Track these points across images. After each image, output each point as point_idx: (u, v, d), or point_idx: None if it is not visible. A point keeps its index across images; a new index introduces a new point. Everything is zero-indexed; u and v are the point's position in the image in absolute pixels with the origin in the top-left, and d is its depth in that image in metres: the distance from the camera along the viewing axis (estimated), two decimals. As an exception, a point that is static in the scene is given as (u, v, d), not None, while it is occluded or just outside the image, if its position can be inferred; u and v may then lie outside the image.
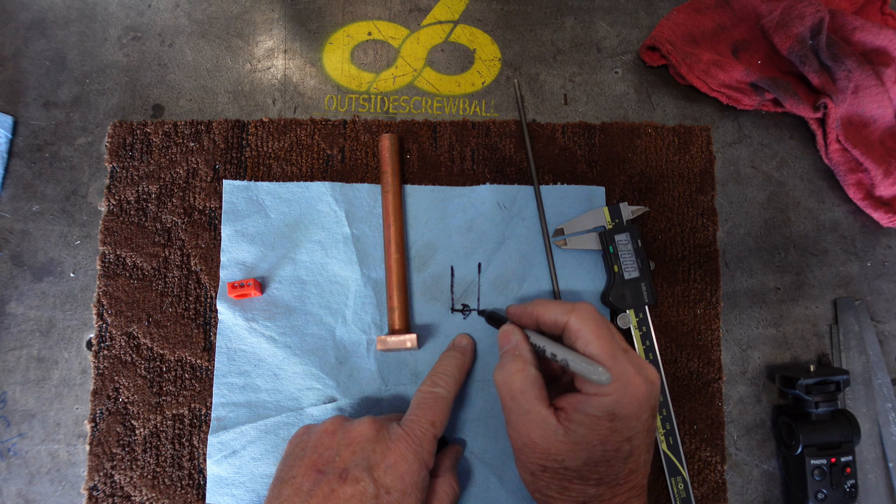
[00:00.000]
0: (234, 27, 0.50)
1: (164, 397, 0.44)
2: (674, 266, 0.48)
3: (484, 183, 0.48)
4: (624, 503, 0.35)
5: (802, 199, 0.50)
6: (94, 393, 0.44)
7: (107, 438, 0.44)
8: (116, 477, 0.43)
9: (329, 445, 0.36)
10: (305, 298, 0.45)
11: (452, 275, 0.46)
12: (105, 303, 0.45)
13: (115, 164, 0.47)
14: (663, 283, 0.47)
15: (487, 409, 0.44)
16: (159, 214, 0.46)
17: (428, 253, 0.46)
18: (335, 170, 0.48)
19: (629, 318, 0.45)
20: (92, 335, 0.45)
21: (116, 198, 0.47)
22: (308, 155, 0.48)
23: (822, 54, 0.47)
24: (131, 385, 0.44)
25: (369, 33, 0.51)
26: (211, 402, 0.44)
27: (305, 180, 0.47)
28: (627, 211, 0.46)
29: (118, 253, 0.46)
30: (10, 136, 0.48)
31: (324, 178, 0.47)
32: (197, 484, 0.43)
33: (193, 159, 0.47)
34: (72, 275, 0.46)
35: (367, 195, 0.47)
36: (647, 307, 0.45)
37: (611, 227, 0.46)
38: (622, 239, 0.45)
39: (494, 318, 0.43)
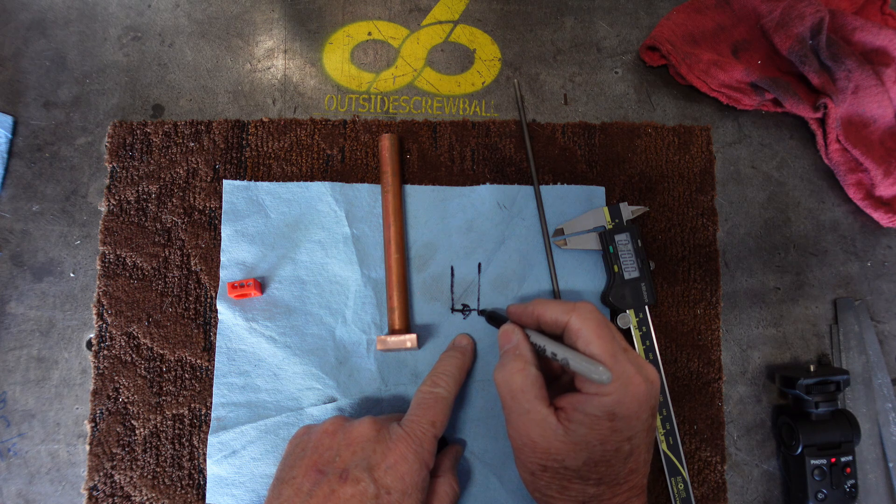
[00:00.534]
0: (234, 27, 0.50)
1: (164, 397, 0.44)
2: (674, 266, 0.48)
3: (484, 183, 0.48)
4: (624, 503, 0.35)
5: (802, 199, 0.50)
6: (94, 393, 0.44)
7: (107, 438, 0.44)
8: (116, 477, 0.43)
9: (329, 446, 0.36)
10: (305, 298, 0.45)
11: (452, 275, 0.46)
12: (105, 303, 0.45)
13: (115, 164, 0.47)
14: (663, 283, 0.47)
15: (487, 409, 0.44)
16: (159, 214, 0.46)
17: (428, 253, 0.46)
18: (335, 170, 0.48)
19: (629, 318, 0.45)
20: (92, 335, 0.45)
21: (116, 198, 0.47)
22: (308, 155, 0.48)
23: (822, 54, 0.47)
24: (131, 385, 0.44)
25: (369, 33, 0.51)
26: (211, 402, 0.44)
27: (305, 180, 0.47)
28: (627, 211, 0.46)
29: (118, 253, 0.46)
30: (10, 136, 0.48)
31: (324, 178, 0.47)
32: (197, 484, 0.43)
33: (193, 159, 0.47)
34: (72, 275, 0.46)
35: (367, 195, 0.47)
36: (647, 307, 0.45)
37: (611, 227, 0.46)
38: (622, 239, 0.45)
39: (495, 318, 0.43)
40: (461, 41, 0.51)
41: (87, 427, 0.44)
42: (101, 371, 0.44)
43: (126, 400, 0.44)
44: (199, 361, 0.45)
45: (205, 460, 0.43)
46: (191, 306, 0.45)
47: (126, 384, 0.44)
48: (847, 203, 0.50)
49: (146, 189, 0.47)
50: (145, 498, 0.43)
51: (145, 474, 0.43)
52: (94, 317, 0.45)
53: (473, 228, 0.47)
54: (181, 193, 0.47)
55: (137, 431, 0.44)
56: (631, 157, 0.49)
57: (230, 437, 0.43)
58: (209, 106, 0.49)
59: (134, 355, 0.45)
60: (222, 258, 0.46)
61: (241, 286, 0.44)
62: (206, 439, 0.44)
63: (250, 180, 0.47)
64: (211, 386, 0.44)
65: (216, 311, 0.45)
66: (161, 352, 0.45)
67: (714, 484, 0.45)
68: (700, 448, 0.46)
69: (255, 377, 0.44)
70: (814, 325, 0.48)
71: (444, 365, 0.41)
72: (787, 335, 0.48)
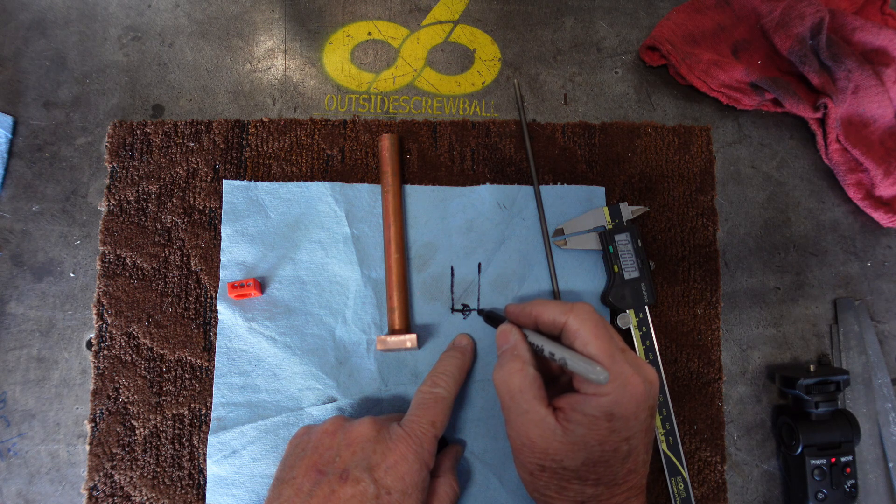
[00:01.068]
0: (234, 27, 0.50)
1: (164, 397, 0.44)
2: (674, 266, 0.48)
3: (484, 183, 0.48)
4: (623, 503, 0.35)
5: (802, 199, 0.50)
6: (94, 393, 0.44)
7: (107, 438, 0.44)
8: (116, 477, 0.43)
9: (329, 446, 0.36)
10: (305, 298, 0.45)
11: (452, 275, 0.46)
12: (105, 303, 0.45)
13: (115, 164, 0.47)
14: (663, 283, 0.47)
15: (487, 410, 0.44)
16: (159, 214, 0.46)
17: (428, 253, 0.46)
18: (335, 170, 0.48)
19: (629, 318, 0.45)
20: (92, 335, 0.45)
21: (116, 198, 0.47)
22: (308, 155, 0.48)
23: (822, 54, 0.47)
24: (131, 385, 0.44)
25: (369, 33, 0.51)
26: (211, 402, 0.44)
27: (305, 180, 0.47)
28: (627, 211, 0.46)
29: (118, 253, 0.46)
30: (10, 136, 0.48)
31: (324, 178, 0.47)
32: (197, 484, 0.43)
33: (193, 159, 0.47)
34: (72, 275, 0.46)
35: (367, 195, 0.47)
36: (647, 307, 0.45)
37: (611, 227, 0.46)
38: (622, 239, 0.45)
39: (493, 318, 0.43)
40: (461, 41, 0.51)
41: (87, 427, 0.44)
42: (101, 371, 0.44)
43: (126, 400, 0.44)
44: (199, 361, 0.45)
45: (205, 460, 0.43)
46: (191, 306, 0.45)
47: (126, 384, 0.44)
48: (847, 203, 0.50)
49: (146, 189, 0.47)
50: (145, 498, 0.43)
51: (145, 474, 0.43)
52: (94, 317, 0.45)
53: (473, 228, 0.47)
54: (181, 193, 0.47)
55: (137, 431, 0.44)
56: (631, 157, 0.49)
57: (230, 437, 0.43)
58: (209, 106, 0.49)
59: (134, 355, 0.45)
60: (222, 258, 0.46)
61: (241, 286, 0.44)
62: (206, 439, 0.44)
63: (250, 180, 0.47)
64: (211, 386, 0.44)
65: (216, 311, 0.45)
66: (161, 352, 0.45)
67: (714, 484, 0.45)
68: (700, 448, 0.46)
69: (255, 377, 0.44)
70: (814, 325, 0.48)
71: (444, 365, 0.41)
72: (787, 335, 0.48)
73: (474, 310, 0.46)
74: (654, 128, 0.49)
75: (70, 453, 0.44)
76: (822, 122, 0.48)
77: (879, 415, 0.46)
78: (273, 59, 0.50)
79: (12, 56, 0.49)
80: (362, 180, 0.47)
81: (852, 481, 0.43)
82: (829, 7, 0.48)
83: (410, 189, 0.47)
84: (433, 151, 0.48)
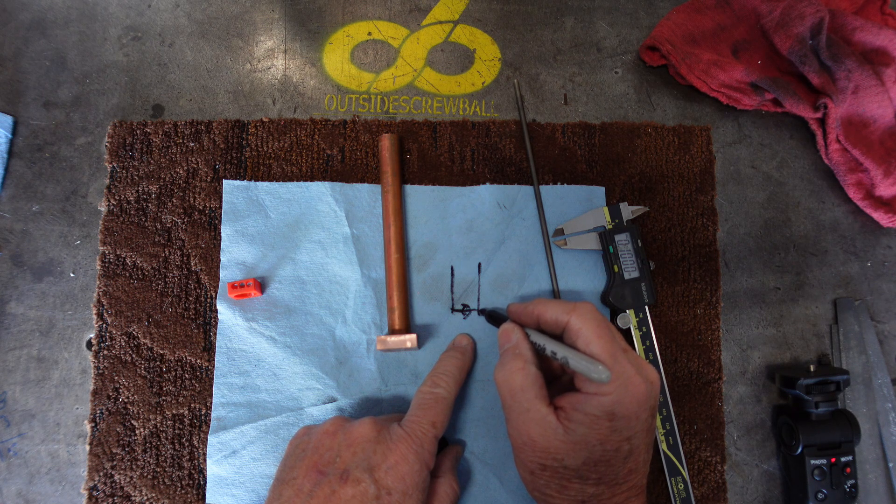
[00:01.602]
0: (234, 27, 0.50)
1: (164, 397, 0.44)
2: (674, 266, 0.48)
3: (484, 183, 0.48)
4: (623, 503, 0.35)
5: (802, 199, 0.50)
6: (94, 393, 0.44)
7: (107, 438, 0.44)
8: (116, 477, 0.43)
9: (330, 446, 0.36)
10: (305, 298, 0.45)
11: (452, 275, 0.46)
12: (105, 303, 0.45)
13: (115, 164, 0.47)
14: (663, 283, 0.47)
15: (487, 410, 0.44)
16: (159, 214, 0.46)
17: (428, 253, 0.46)
18: (335, 170, 0.47)
19: (629, 318, 0.45)
20: (92, 335, 0.45)
21: (116, 198, 0.47)
22: (308, 155, 0.48)
23: (822, 54, 0.47)
24: (131, 385, 0.44)
25: (369, 33, 0.51)
26: (211, 402, 0.44)
27: (305, 180, 0.47)
28: (627, 211, 0.46)
29: (118, 253, 0.46)
30: (10, 136, 0.48)
31: (324, 178, 0.47)
32: (197, 484, 0.43)
33: (193, 159, 0.47)
34: (72, 275, 0.46)
35: (367, 195, 0.47)
36: (647, 307, 0.45)
37: (611, 227, 0.46)
38: (622, 239, 0.45)
39: (494, 317, 0.43)
40: (461, 41, 0.51)
41: (87, 427, 0.44)
42: (101, 371, 0.44)
43: (126, 400, 0.44)
44: (199, 361, 0.45)
45: (205, 460, 0.43)
46: (191, 306, 0.45)
47: (126, 384, 0.44)
48: (847, 203, 0.50)
49: (146, 189, 0.47)
50: (145, 498, 0.43)
51: (145, 474, 0.43)
52: (94, 317, 0.45)
53: (473, 228, 0.47)
54: (181, 193, 0.47)
55: (137, 431, 0.44)
56: (631, 157, 0.49)
57: (230, 437, 0.43)
58: (209, 106, 0.49)
59: (134, 355, 0.45)
60: (222, 258, 0.46)
61: (241, 286, 0.44)
62: (206, 439, 0.44)
63: (250, 180, 0.47)
64: (211, 386, 0.44)
65: (216, 311, 0.45)
66: (161, 352, 0.45)
67: (714, 484, 0.45)
68: (700, 448, 0.46)
69: (255, 377, 0.44)
70: (814, 325, 0.48)
71: (444, 365, 0.41)
72: (787, 335, 0.48)
73: (474, 310, 0.46)
74: (654, 128, 0.49)
75: (70, 453, 0.44)
76: (822, 122, 0.48)
77: (879, 415, 0.46)
78: (273, 59, 0.50)
79: (12, 56, 0.49)
80: (362, 180, 0.47)
81: (852, 481, 0.43)
82: (829, 7, 0.48)
83: (410, 189, 0.47)
84: (433, 151, 0.48)
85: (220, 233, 0.46)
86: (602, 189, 0.48)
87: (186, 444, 0.44)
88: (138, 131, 0.48)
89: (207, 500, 0.43)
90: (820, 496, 0.42)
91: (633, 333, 0.45)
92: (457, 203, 0.47)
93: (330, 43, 0.50)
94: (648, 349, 0.45)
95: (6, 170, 0.47)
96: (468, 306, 0.46)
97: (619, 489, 0.35)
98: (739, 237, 0.49)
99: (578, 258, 0.47)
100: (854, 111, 0.48)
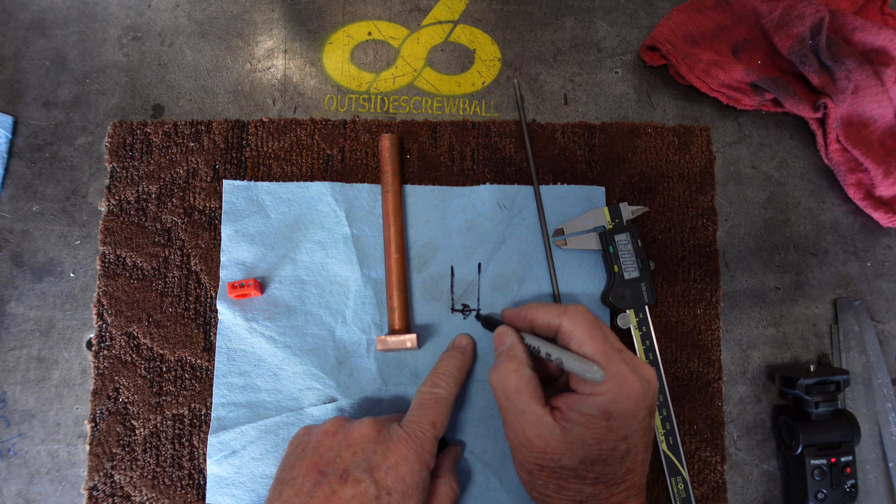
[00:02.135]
0: (234, 27, 0.50)
1: (164, 397, 0.44)
2: (674, 266, 0.48)
3: (484, 183, 0.48)
4: (621, 502, 0.35)
5: (802, 199, 0.50)
6: (94, 393, 0.44)
7: (107, 438, 0.44)
8: (116, 477, 0.43)
9: (330, 446, 0.36)
10: (305, 298, 0.45)
11: (452, 275, 0.46)
12: (105, 303, 0.45)
13: (115, 164, 0.47)
14: (663, 283, 0.47)
15: (487, 410, 0.44)
16: (159, 214, 0.46)
17: (428, 253, 0.46)
18: (335, 170, 0.47)
19: (629, 318, 0.45)
20: (92, 335, 0.45)
21: (116, 198, 0.47)
22: (308, 155, 0.48)
23: (822, 54, 0.47)
24: (131, 385, 0.44)
25: (369, 33, 0.51)
26: (211, 402, 0.44)
27: (305, 180, 0.47)
28: (627, 211, 0.46)
29: (118, 253, 0.46)
30: (10, 136, 0.48)
31: (324, 178, 0.47)
32: (197, 484, 0.43)
33: (193, 159, 0.47)
34: (72, 275, 0.46)
35: (367, 195, 0.47)
36: (647, 307, 0.45)
37: (611, 227, 0.46)
38: (622, 239, 0.45)
39: (490, 322, 0.43)
40: (461, 41, 0.51)
41: (87, 427, 0.44)
42: (101, 371, 0.44)
43: (126, 400, 0.44)
44: (199, 361, 0.45)
45: (205, 460, 0.43)
46: (191, 306, 0.45)
47: (126, 384, 0.44)
48: (847, 203, 0.50)
49: (146, 189, 0.47)
50: (145, 498, 0.43)
51: (145, 474, 0.43)
52: (94, 317, 0.45)
53: (473, 228, 0.47)
54: (181, 193, 0.47)
55: (137, 431, 0.44)
56: (631, 157, 0.49)
57: (230, 437, 0.43)
58: (209, 106, 0.49)
59: (134, 355, 0.45)
60: (222, 258, 0.46)
61: (241, 286, 0.44)
62: (206, 439, 0.44)
63: (250, 180, 0.47)
64: (211, 386, 0.44)
65: (216, 311, 0.45)
66: (161, 352, 0.45)
67: (714, 484, 0.45)
68: (700, 448, 0.46)
69: (255, 377, 0.44)
70: (814, 325, 0.48)
71: (444, 365, 0.41)
72: (787, 335, 0.48)
73: (474, 310, 0.46)
74: (654, 128, 0.49)
75: (70, 453, 0.44)
76: (822, 122, 0.48)
77: (879, 415, 0.46)
78: (273, 59, 0.50)
79: (12, 56, 0.49)
80: (362, 180, 0.47)
81: (852, 481, 0.43)
82: (829, 7, 0.48)
83: (410, 189, 0.47)
84: (433, 151, 0.48)
85: (220, 233, 0.46)
86: (602, 189, 0.48)
87: (186, 444, 0.44)
88: (138, 131, 0.48)
89: (207, 500, 0.43)
90: (820, 496, 0.42)
91: (633, 333, 0.45)
92: (457, 203, 0.47)
93: (330, 43, 0.50)
94: (648, 349, 0.45)
95: (6, 170, 0.47)
96: (468, 306, 0.46)
97: (617, 489, 0.35)
98: (739, 237, 0.49)
99: (578, 258, 0.47)
100: (854, 111, 0.48)
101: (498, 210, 0.47)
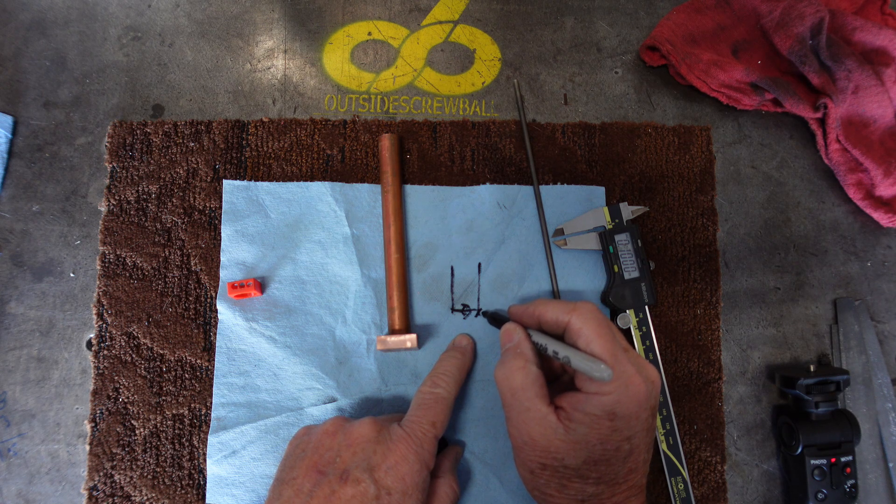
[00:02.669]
0: (234, 27, 0.50)
1: (164, 397, 0.44)
2: (674, 266, 0.48)
3: (484, 183, 0.48)
4: (623, 502, 0.35)
5: (802, 199, 0.50)
6: (94, 393, 0.44)
7: (107, 438, 0.44)
8: (116, 477, 0.43)
9: (330, 446, 0.36)
10: (305, 298, 0.45)
11: (452, 275, 0.46)
12: (105, 303, 0.45)
13: (115, 164, 0.47)
14: (663, 283, 0.47)
15: (487, 410, 0.44)
16: (159, 214, 0.46)
17: (428, 253, 0.46)
18: (335, 170, 0.47)
19: (629, 318, 0.45)
20: (92, 335, 0.45)
21: (116, 198, 0.47)
22: (308, 155, 0.48)
23: (822, 54, 0.47)
24: (131, 385, 0.44)
25: (369, 33, 0.51)
26: (211, 402, 0.44)
27: (305, 180, 0.47)
28: (627, 211, 0.46)
29: (118, 253, 0.46)
30: (10, 136, 0.48)
31: (324, 178, 0.47)
32: (197, 484, 0.43)
33: (193, 159, 0.47)
34: (72, 275, 0.46)
35: (367, 195, 0.47)
36: (647, 307, 0.45)
37: (611, 227, 0.46)
38: (622, 239, 0.45)
39: (496, 318, 0.43)
40: (461, 41, 0.51)
41: (87, 427, 0.44)
42: (101, 371, 0.44)
43: (126, 400, 0.44)
44: (199, 361, 0.45)
45: (205, 460, 0.43)
46: (191, 306, 0.45)
47: (126, 384, 0.44)
48: (847, 203, 0.50)
49: (146, 189, 0.47)
50: (145, 498, 0.43)
51: (145, 474, 0.43)
52: (94, 317, 0.45)
53: (473, 228, 0.47)
54: (181, 193, 0.47)
55: (137, 431, 0.44)
56: (631, 157, 0.49)
57: (230, 437, 0.43)
58: (209, 106, 0.49)
59: (134, 355, 0.45)
60: (222, 258, 0.46)
61: (241, 286, 0.44)
62: (206, 439, 0.44)
63: (250, 180, 0.47)
64: (211, 386, 0.44)
65: (216, 311, 0.45)
66: (161, 352, 0.45)
67: (714, 484, 0.45)
68: (700, 448, 0.46)
69: (255, 377, 0.44)
70: (814, 325, 0.48)
71: (444, 365, 0.41)
72: (787, 335, 0.48)
73: (474, 310, 0.46)
74: (654, 128, 0.49)
75: (70, 453, 0.44)
76: (822, 122, 0.48)
77: (879, 415, 0.46)
78: (273, 59, 0.50)
79: (12, 56, 0.49)
80: (362, 180, 0.47)
81: (852, 481, 0.43)
82: (829, 7, 0.48)
83: (410, 189, 0.47)
84: (433, 151, 0.48)
85: (220, 233, 0.46)
86: (602, 189, 0.48)
87: (186, 444, 0.44)
88: (138, 131, 0.48)
89: (207, 500, 0.43)
90: (820, 496, 0.42)
91: (633, 333, 0.45)
92: (457, 203, 0.47)
93: (330, 43, 0.50)
94: (648, 349, 0.45)
95: (6, 170, 0.47)
96: (468, 306, 0.46)
97: (619, 488, 0.35)
98: (739, 237, 0.49)
99: (578, 258, 0.47)
100: (854, 111, 0.48)
101: (498, 210, 0.47)
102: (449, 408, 0.39)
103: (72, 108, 0.48)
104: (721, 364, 0.47)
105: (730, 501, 0.45)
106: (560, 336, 0.38)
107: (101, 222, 0.46)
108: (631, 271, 0.45)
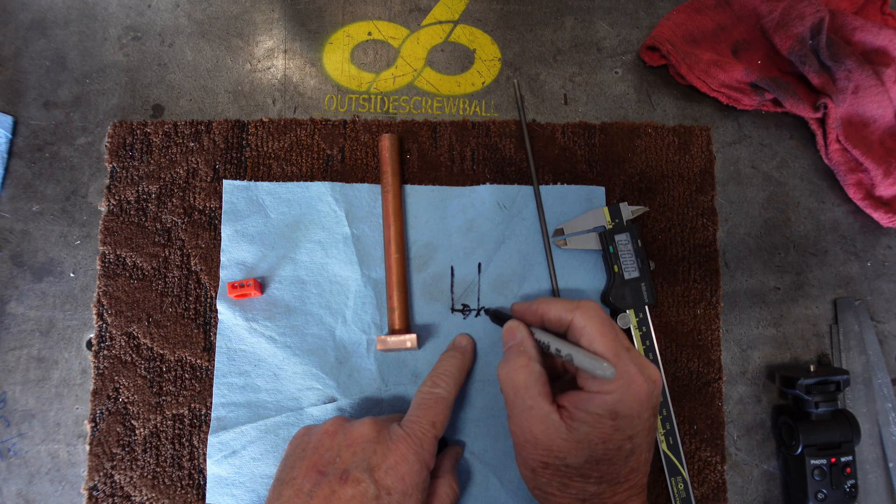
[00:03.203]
0: (234, 27, 0.50)
1: (164, 397, 0.44)
2: (674, 266, 0.48)
3: (484, 183, 0.48)
4: (624, 501, 0.35)
5: (802, 199, 0.50)
6: (94, 393, 0.44)
7: (107, 438, 0.44)
8: (116, 477, 0.43)
9: (330, 446, 0.36)
10: (305, 298, 0.45)
11: (452, 275, 0.46)
12: (105, 303, 0.45)
13: (115, 164, 0.47)
14: (663, 283, 0.47)
15: (488, 410, 0.44)
16: (159, 214, 0.46)
17: (428, 253, 0.46)
18: (335, 170, 0.47)
19: (629, 318, 0.45)
20: (92, 335, 0.45)
21: (116, 198, 0.47)
22: (308, 155, 0.48)
23: (822, 54, 0.47)
24: (131, 385, 0.44)
25: (369, 33, 0.51)
26: (211, 402, 0.44)
27: (305, 180, 0.47)
28: (627, 211, 0.46)
29: (118, 253, 0.46)
30: (10, 136, 0.48)
31: (324, 178, 0.47)
32: (197, 484, 0.43)
33: (193, 159, 0.47)
34: (72, 275, 0.46)
35: (367, 195, 0.47)
36: (647, 307, 0.45)
37: (611, 227, 0.46)
38: (622, 239, 0.45)
39: (499, 316, 0.43)
40: (461, 41, 0.51)
41: (87, 427, 0.44)
42: (101, 371, 0.44)
43: (126, 400, 0.44)
44: (199, 361, 0.45)
45: (205, 460, 0.43)
46: (191, 306, 0.45)
47: (126, 384, 0.44)
48: (847, 203, 0.50)
49: (146, 189, 0.47)
50: (145, 498, 0.43)
51: (145, 474, 0.43)
52: (94, 317, 0.45)
53: (473, 228, 0.47)
54: (181, 193, 0.47)
55: (137, 431, 0.44)
56: (631, 157, 0.49)
57: (230, 437, 0.43)
58: (209, 106, 0.49)
59: (134, 355, 0.45)
60: (222, 258, 0.46)
61: (241, 286, 0.44)
62: (206, 439, 0.44)
63: (250, 180, 0.47)
64: (211, 386, 0.44)
65: (216, 311, 0.45)
66: (161, 352, 0.45)
67: (714, 484, 0.45)
68: (700, 448, 0.46)
69: (255, 377, 0.44)
70: (814, 325, 0.48)
71: (444, 365, 0.41)
72: (787, 335, 0.48)
73: (474, 310, 0.46)
74: (654, 128, 0.49)
75: (70, 453, 0.44)
76: (822, 122, 0.48)
77: (879, 415, 0.46)
78: (273, 59, 0.50)
79: (12, 56, 0.49)
80: (362, 180, 0.47)
81: (852, 481, 0.43)
82: (829, 7, 0.48)
83: (410, 189, 0.47)
84: (433, 151, 0.48)
85: (220, 233, 0.46)
86: (602, 189, 0.48)
87: (186, 444, 0.44)
88: (138, 131, 0.48)
89: (207, 500, 0.43)
90: (820, 496, 0.42)
91: (633, 333, 0.45)
92: (457, 203, 0.47)
93: (330, 43, 0.50)
94: (648, 349, 0.45)
95: (6, 170, 0.47)
96: (468, 306, 0.46)
97: (621, 488, 0.35)
98: (739, 237, 0.49)
99: (578, 258, 0.47)
100: (854, 111, 0.48)
101: (498, 210, 0.47)
102: (449, 408, 0.39)
103: (72, 108, 0.48)
104: (721, 364, 0.47)
105: (730, 501, 0.45)
106: (562, 334, 0.38)
107: (101, 222, 0.46)
108: (631, 271, 0.45)
